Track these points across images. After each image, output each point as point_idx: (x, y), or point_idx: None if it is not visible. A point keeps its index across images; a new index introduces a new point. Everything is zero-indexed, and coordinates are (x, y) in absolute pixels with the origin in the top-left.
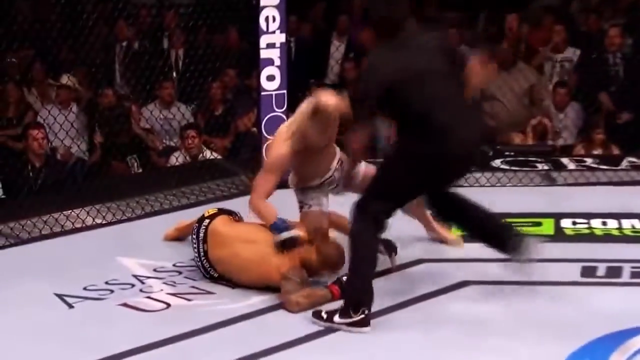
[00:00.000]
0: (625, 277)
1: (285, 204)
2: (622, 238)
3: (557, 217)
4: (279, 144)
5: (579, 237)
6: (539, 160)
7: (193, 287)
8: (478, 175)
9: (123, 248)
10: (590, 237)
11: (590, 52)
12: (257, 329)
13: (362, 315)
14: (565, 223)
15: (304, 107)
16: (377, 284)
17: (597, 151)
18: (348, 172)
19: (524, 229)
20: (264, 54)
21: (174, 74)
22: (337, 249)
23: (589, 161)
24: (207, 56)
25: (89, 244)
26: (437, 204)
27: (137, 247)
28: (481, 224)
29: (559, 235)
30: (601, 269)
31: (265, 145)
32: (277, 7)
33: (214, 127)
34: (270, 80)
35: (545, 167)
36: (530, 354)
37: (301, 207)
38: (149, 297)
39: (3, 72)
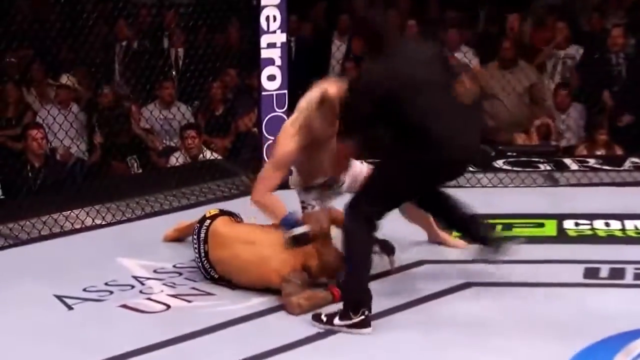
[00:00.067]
0: (629, 278)
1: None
2: (625, 239)
3: (560, 218)
4: (285, 140)
5: (581, 238)
6: (542, 160)
7: (193, 288)
8: (480, 176)
9: (123, 249)
10: (593, 239)
11: (592, 52)
12: (257, 331)
13: (362, 317)
14: (568, 224)
15: (307, 101)
16: (378, 285)
17: (600, 152)
18: (337, 179)
19: (527, 230)
20: (264, 53)
21: (174, 74)
22: (336, 254)
23: (591, 162)
24: (207, 56)
25: (88, 245)
26: (423, 199)
27: (137, 248)
28: (463, 222)
29: (562, 237)
30: (604, 271)
31: (267, 144)
32: (277, 6)
33: (215, 127)
34: (271, 80)
35: (548, 168)
36: (533, 356)
37: (304, 208)
38: (149, 299)
39: (2, 71)
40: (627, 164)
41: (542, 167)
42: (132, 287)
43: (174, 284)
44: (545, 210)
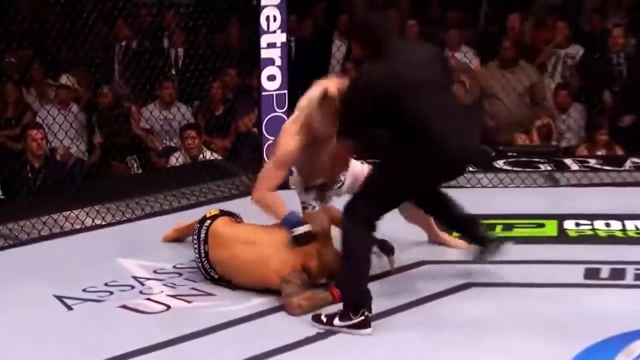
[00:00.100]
0: (629, 279)
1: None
2: (626, 239)
3: (560, 218)
4: (286, 139)
5: (582, 239)
6: (542, 161)
7: (193, 288)
8: (480, 176)
9: (123, 249)
10: (593, 239)
11: (593, 52)
12: (257, 331)
13: (362, 317)
14: (569, 224)
15: (308, 99)
16: (378, 285)
17: (601, 152)
18: (337, 179)
19: (527, 230)
20: (264, 53)
21: (174, 73)
22: (336, 255)
23: (592, 162)
24: (207, 56)
25: (88, 245)
26: (422, 200)
27: (137, 248)
28: (462, 222)
29: (562, 237)
30: (605, 271)
31: (267, 144)
32: (277, 6)
33: (215, 127)
34: (271, 80)
35: (548, 168)
36: (533, 356)
37: (304, 209)
38: (148, 299)
39: (2, 71)
40: (628, 164)
41: (542, 167)
42: (132, 287)
43: (174, 284)
44: (545, 211)
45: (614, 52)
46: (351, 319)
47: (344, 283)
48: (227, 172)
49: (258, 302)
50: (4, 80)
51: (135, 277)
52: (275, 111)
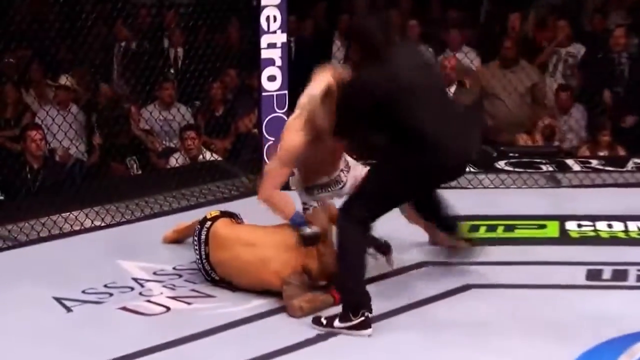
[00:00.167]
0: (632, 280)
1: None
2: (628, 240)
3: (562, 219)
4: (292, 135)
5: (584, 240)
6: (544, 161)
7: (193, 290)
8: (482, 177)
9: (122, 251)
10: (595, 240)
11: (595, 52)
12: (258, 333)
13: (363, 318)
14: (570, 225)
15: (309, 96)
16: (379, 287)
17: (603, 152)
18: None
19: (529, 231)
20: (264, 54)
21: (172, 72)
22: (336, 256)
23: (594, 163)
24: (207, 56)
25: (87, 247)
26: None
27: (137, 249)
28: (447, 222)
29: (564, 238)
30: (607, 272)
31: (267, 145)
32: (278, 6)
33: (215, 128)
34: (271, 81)
35: (550, 169)
36: (535, 358)
37: (305, 210)
38: (148, 301)
39: (1, 72)
40: (630, 165)
41: (544, 168)
42: (132, 289)
43: (174, 286)
44: (547, 212)
45: (616, 52)
46: (351, 320)
47: (342, 284)
48: (227, 173)
49: (258, 304)
50: (3, 81)
51: (135, 279)
52: (276, 112)
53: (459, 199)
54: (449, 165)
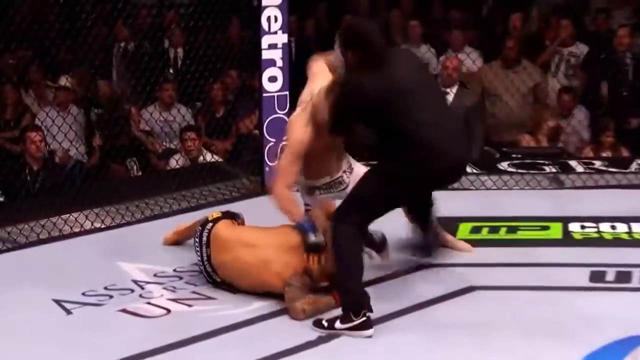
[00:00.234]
0: (635, 282)
1: None
2: (632, 242)
3: (565, 220)
4: (298, 130)
5: (587, 241)
6: (547, 162)
7: (194, 292)
8: (484, 178)
9: (122, 253)
10: (599, 241)
11: (598, 52)
12: (259, 335)
13: (364, 318)
14: (574, 227)
15: (311, 92)
16: (381, 288)
17: (606, 154)
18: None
19: (532, 232)
20: (265, 54)
21: (171, 72)
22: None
23: (597, 164)
24: (207, 57)
25: (87, 249)
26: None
27: (137, 251)
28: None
29: (567, 240)
30: (610, 274)
31: (268, 146)
32: (279, 7)
33: (215, 129)
34: (272, 82)
35: (553, 170)
36: None
37: (307, 211)
38: (148, 303)
39: (0, 73)
40: (634, 166)
41: (547, 169)
42: (132, 291)
43: (174, 288)
44: (550, 213)
45: (620, 53)
46: (352, 321)
47: (340, 286)
48: (227, 174)
49: (259, 306)
50: (2, 82)
51: (135, 281)
52: (277, 113)
53: (462, 201)
54: (444, 169)
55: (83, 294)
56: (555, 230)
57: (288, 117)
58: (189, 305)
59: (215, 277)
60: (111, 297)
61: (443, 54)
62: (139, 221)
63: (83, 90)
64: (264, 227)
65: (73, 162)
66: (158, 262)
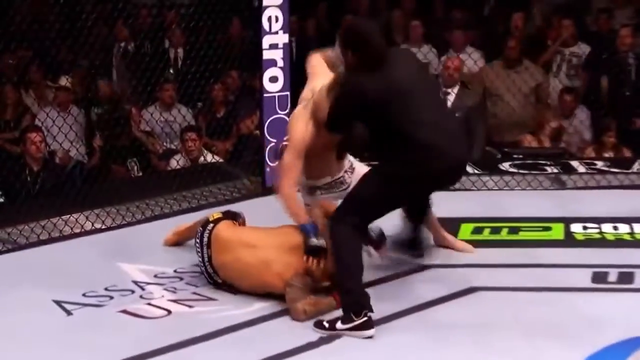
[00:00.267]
0: (638, 283)
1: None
2: (634, 243)
3: (567, 221)
4: (301, 126)
5: (589, 242)
6: (548, 163)
7: (194, 293)
8: (486, 178)
9: (123, 253)
10: (601, 242)
11: (600, 52)
12: (260, 336)
13: (365, 318)
14: (576, 228)
15: (312, 90)
16: (383, 289)
17: (608, 154)
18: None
19: (534, 233)
20: (266, 54)
21: (171, 72)
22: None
23: (599, 164)
24: (208, 57)
25: (88, 250)
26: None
27: (137, 252)
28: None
29: (569, 240)
30: (612, 275)
31: (269, 147)
32: (279, 7)
33: (216, 129)
34: (273, 82)
35: (555, 171)
36: None
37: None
38: (149, 304)
39: (0, 73)
40: (636, 167)
41: (549, 169)
42: (133, 292)
43: (175, 289)
44: (552, 214)
45: (623, 53)
46: (354, 321)
47: (341, 286)
48: (228, 174)
49: (260, 307)
50: (2, 82)
51: (135, 282)
52: (278, 113)
53: (463, 201)
54: (443, 170)
55: (83, 294)
56: (557, 231)
57: (289, 117)
58: (190, 306)
59: (217, 278)
60: (112, 298)
61: (445, 54)
62: (139, 222)
63: (83, 91)
64: (265, 228)
65: (73, 163)
66: (159, 263)
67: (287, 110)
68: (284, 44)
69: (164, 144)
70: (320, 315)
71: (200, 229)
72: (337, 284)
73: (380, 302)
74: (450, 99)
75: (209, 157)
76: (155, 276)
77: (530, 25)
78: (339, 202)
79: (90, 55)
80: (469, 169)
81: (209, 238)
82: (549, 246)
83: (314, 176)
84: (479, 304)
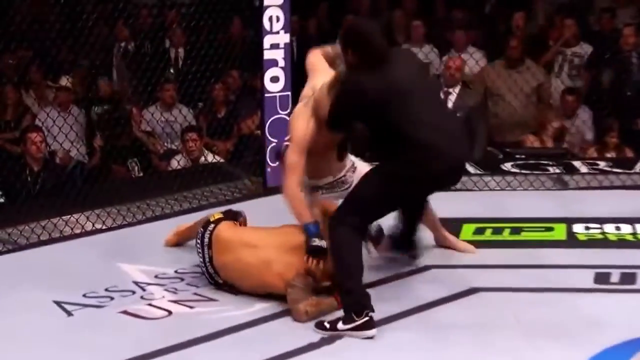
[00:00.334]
0: None
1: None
2: (637, 243)
3: (569, 222)
4: (302, 123)
5: (591, 243)
6: (551, 163)
7: (195, 294)
8: (488, 179)
9: (123, 254)
10: (603, 243)
11: (603, 52)
12: (261, 337)
13: (366, 318)
14: (578, 228)
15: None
16: (384, 290)
17: (611, 154)
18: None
19: (536, 234)
20: (267, 54)
21: (172, 71)
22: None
23: (602, 164)
24: (209, 57)
25: (88, 250)
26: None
27: (138, 253)
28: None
29: (571, 241)
30: (615, 275)
31: (270, 147)
32: (280, 6)
33: (217, 129)
34: (274, 82)
35: (557, 171)
36: None
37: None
38: (150, 304)
39: (0, 73)
40: (638, 167)
41: (551, 170)
42: (133, 292)
43: (176, 289)
44: (554, 214)
45: (626, 52)
46: (355, 321)
47: (341, 287)
48: (229, 175)
49: (261, 308)
50: (3, 82)
51: (136, 282)
52: (279, 113)
53: (465, 201)
54: (443, 170)
55: (84, 295)
56: (559, 232)
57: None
58: (191, 307)
59: (218, 278)
60: (112, 298)
61: (446, 54)
62: (140, 222)
63: (84, 91)
64: (266, 228)
65: (74, 163)
66: (159, 263)
67: (288, 110)
68: (285, 44)
69: (165, 144)
70: (321, 316)
71: (201, 229)
72: (337, 285)
73: (381, 303)
74: (452, 98)
75: (210, 157)
76: (156, 277)
77: (532, 25)
78: (340, 201)
79: (90, 55)
80: (470, 169)
81: (210, 238)
82: (551, 247)
83: (316, 176)
84: (480, 305)
